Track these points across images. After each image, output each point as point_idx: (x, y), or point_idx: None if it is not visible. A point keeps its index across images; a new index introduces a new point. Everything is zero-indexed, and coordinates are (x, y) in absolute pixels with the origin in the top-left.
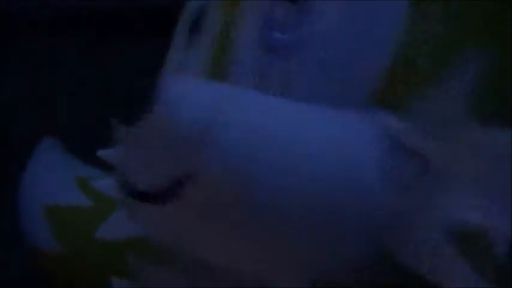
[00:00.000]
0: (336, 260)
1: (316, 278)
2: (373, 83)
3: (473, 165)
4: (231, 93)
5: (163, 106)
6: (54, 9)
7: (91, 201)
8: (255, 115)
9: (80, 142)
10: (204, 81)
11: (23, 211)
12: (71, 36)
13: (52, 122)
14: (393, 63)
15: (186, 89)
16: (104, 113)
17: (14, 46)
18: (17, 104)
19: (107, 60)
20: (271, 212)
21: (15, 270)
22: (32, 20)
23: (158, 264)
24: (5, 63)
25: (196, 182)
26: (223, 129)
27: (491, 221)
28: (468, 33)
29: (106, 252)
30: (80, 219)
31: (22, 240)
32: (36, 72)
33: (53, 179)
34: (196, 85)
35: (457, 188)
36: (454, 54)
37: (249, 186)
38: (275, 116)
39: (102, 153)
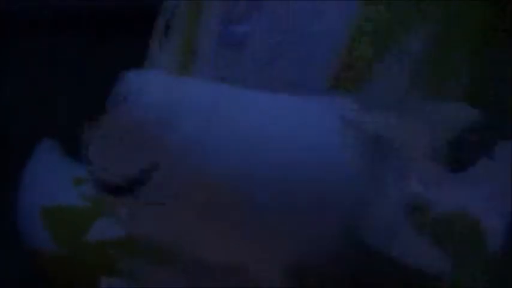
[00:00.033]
0: (309, 245)
1: (292, 266)
2: (327, 69)
3: (421, 138)
4: (190, 85)
5: (122, 101)
6: (54, 9)
7: (88, 202)
8: (212, 104)
9: (80, 143)
10: (163, 74)
11: (20, 212)
12: (71, 36)
13: (52, 122)
14: (343, 49)
15: (144, 83)
16: (104, 113)
17: (14, 46)
18: (17, 104)
19: (106, 60)
20: (234, 198)
21: (15, 270)
22: (32, 20)
23: (150, 263)
24: (5, 63)
25: (161, 170)
26: (182, 119)
27: (440, 191)
28: (408, 15)
29: (102, 252)
30: (76, 220)
31: (22, 240)
32: (36, 72)
33: (51, 180)
34: (153, 79)
35: (409, 160)
36: (396, 36)
37: (210, 173)
38: (232, 105)
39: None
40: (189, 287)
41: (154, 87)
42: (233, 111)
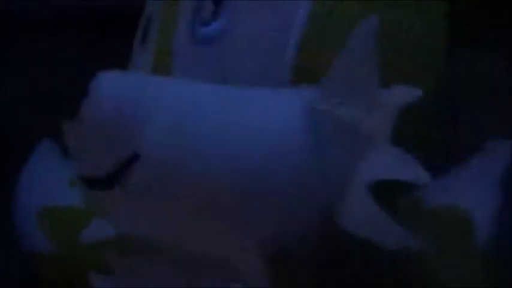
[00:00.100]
0: (287, 233)
1: (272, 254)
2: (291, 61)
3: (379, 122)
4: (165, 82)
5: (95, 97)
6: (54, 9)
7: (84, 202)
8: (184, 99)
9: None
10: (139, 74)
11: (18, 212)
12: (71, 36)
13: (52, 122)
14: (305, 41)
15: (117, 81)
16: (78, 111)
17: (14, 46)
18: (17, 104)
19: (107, 60)
20: (210, 188)
21: (15, 270)
22: (32, 20)
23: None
24: (5, 63)
25: (139, 162)
26: (157, 114)
27: (406, 172)
28: (364, 6)
29: (99, 252)
30: (73, 220)
31: (20, 240)
32: (36, 72)
33: (48, 181)
34: (128, 77)
35: (371, 144)
36: (353, 25)
37: (185, 164)
38: (207, 100)
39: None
40: (182, 285)
41: (128, 84)
42: (207, 106)
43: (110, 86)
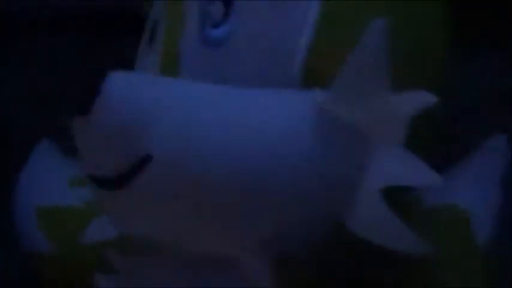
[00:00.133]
0: (295, 236)
1: (281, 257)
2: (300, 64)
3: (390, 128)
4: (174, 84)
5: (107, 98)
6: (54, 9)
7: (83, 203)
8: (193, 100)
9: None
10: (148, 75)
11: (18, 212)
12: (71, 36)
13: (52, 122)
14: (316, 43)
15: (128, 82)
16: (89, 111)
17: (14, 46)
18: (17, 104)
19: (106, 60)
20: (221, 188)
21: (15, 270)
22: (32, 20)
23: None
24: (5, 63)
25: (151, 162)
26: (166, 114)
27: (418, 178)
28: (373, 7)
29: (99, 252)
30: (73, 220)
31: (20, 240)
32: (36, 72)
33: (47, 181)
34: (138, 78)
35: (382, 150)
36: (363, 27)
37: (195, 165)
38: (216, 101)
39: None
40: (183, 285)
41: (140, 86)
42: (216, 108)
43: (121, 86)
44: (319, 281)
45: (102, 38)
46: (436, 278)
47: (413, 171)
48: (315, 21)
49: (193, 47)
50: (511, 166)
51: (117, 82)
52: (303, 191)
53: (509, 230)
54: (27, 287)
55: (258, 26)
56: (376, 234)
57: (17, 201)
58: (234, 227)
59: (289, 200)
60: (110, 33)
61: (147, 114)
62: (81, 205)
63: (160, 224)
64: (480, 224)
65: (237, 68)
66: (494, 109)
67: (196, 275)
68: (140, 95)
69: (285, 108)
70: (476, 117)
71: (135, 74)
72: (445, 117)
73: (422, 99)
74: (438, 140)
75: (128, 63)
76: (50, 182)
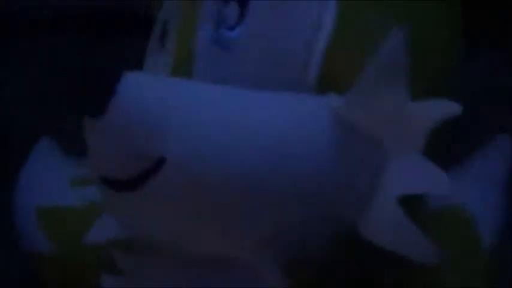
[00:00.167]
0: (308, 241)
1: (290, 259)
2: (316, 68)
3: (409, 136)
4: (188, 85)
5: (121, 98)
6: (54, 9)
7: (84, 202)
8: (208, 102)
9: (80, 142)
10: (161, 76)
11: (18, 212)
12: (71, 36)
13: (52, 122)
14: (331, 49)
15: (142, 83)
16: (102, 112)
17: (14, 46)
18: (17, 104)
19: (106, 60)
20: (235, 191)
21: (15, 270)
22: (32, 20)
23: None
24: (5, 63)
25: (166, 164)
26: (181, 116)
27: (433, 187)
28: (392, 14)
29: (99, 252)
30: (73, 220)
31: (20, 240)
32: (36, 72)
33: (47, 180)
34: (152, 79)
35: (400, 157)
36: (383, 37)
37: (212, 168)
38: (230, 104)
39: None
40: (185, 285)
41: (153, 87)
42: (231, 111)
43: (136, 87)
44: (319, 281)
45: (102, 38)
46: (437, 278)
47: (431, 180)
48: (331, 25)
49: (207, 49)
50: None
51: (132, 83)
52: (322, 195)
53: (510, 230)
54: (27, 287)
55: (273, 28)
56: (391, 241)
57: (17, 201)
58: (253, 229)
59: (311, 203)
60: (110, 33)
61: (162, 116)
62: (81, 205)
63: (168, 225)
64: (483, 225)
65: (252, 70)
66: (494, 109)
67: (196, 275)
68: (156, 96)
69: (300, 113)
70: (476, 118)
71: (149, 75)
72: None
73: (445, 108)
74: (440, 140)
75: (128, 63)
76: (50, 181)
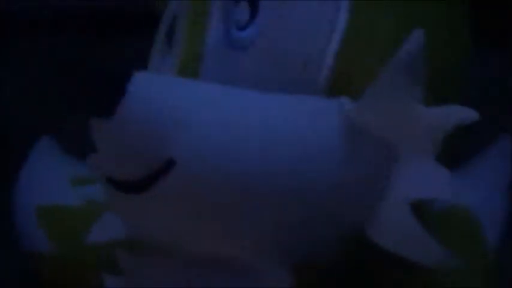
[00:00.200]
0: (315, 244)
1: (298, 262)
2: (328, 70)
3: (422, 140)
4: (198, 86)
5: (133, 99)
6: (54, 9)
7: (84, 202)
8: (219, 104)
9: (80, 142)
10: (172, 76)
11: (18, 212)
12: (71, 36)
13: (52, 122)
14: (343, 52)
15: (153, 83)
16: (112, 112)
17: (14, 46)
18: (17, 104)
19: (107, 60)
20: (245, 195)
21: (15, 270)
22: (32, 20)
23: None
24: (5, 63)
25: (176, 167)
26: (193, 118)
27: (444, 192)
28: (405, 17)
29: (99, 252)
30: (73, 220)
31: (20, 240)
32: (36, 72)
33: (47, 179)
34: (163, 79)
35: (412, 162)
36: (395, 40)
37: (222, 170)
38: (240, 106)
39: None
40: (182, 281)
41: (162, 87)
42: (241, 112)
43: (146, 88)
44: (319, 281)
45: (102, 38)
46: (440, 279)
47: (442, 186)
48: (343, 26)
49: (217, 49)
50: None
51: (142, 83)
52: (332, 198)
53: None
54: (27, 287)
55: (284, 29)
56: (401, 245)
57: (17, 201)
58: (262, 231)
59: (321, 206)
60: (110, 33)
61: (172, 117)
62: (81, 204)
63: (174, 226)
64: (487, 227)
65: (262, 71)
66: (494, 109)
67: (196, 275)
68: (165, 97)
69: (310, 115)
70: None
71: (158, 75)
72: None
73: (461, 114)
74: (443, 141)
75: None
76: (50, 180)
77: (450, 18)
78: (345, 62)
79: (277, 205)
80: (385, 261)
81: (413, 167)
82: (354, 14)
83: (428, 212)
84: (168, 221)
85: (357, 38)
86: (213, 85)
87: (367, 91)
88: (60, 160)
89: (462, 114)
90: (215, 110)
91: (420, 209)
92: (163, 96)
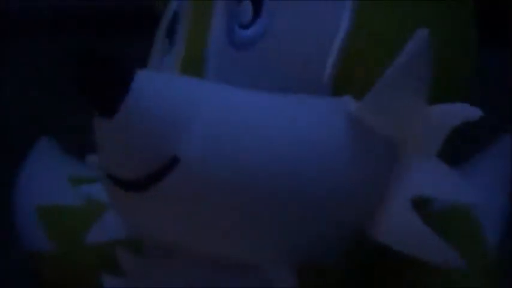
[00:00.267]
0: (317, 242)
1: (301, 262)
2: (332, 69)
3: (426, 139)
4: (201, 84)
5: (137, 96)
6: (54, 9)
7: (84, 201)
8: (223, 104)
9: (80, 142)
10: (176, 74)
11: (18, 212)
12: (71, 36)
13: (52, 122)
14: (348, 51)
15: (157, 82)
16: (114, 111)
17: (14, 46)
18: (17, 104)
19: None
20: (249, 194)
21: (15, 270)
22: (32, 20)
23: (150, 261)
24: (5, 63)
25: (178, 166)
26: (197, 117)
27: (447, 191)
28: (410, 17)
29: (99, 252)
30: (73, 219)
31: (20, 240)
32: (36, 72)
33: (47, 179)
34: (166, 78)
35: (415, 160)
36: (399, 39)
37: (227, 169)
38: (244, 105)
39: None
40: (183, 282)
41: (165, 85)
42: (245, 111)
43: (150, 86)
44: (320, 281)
45: (102, 38)
46: (441, 278)
47: (445, 184)
48: (347, 25)
49: (220, 48)
50: None
51: (145, 81)
52: (337, 198)
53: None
54: (27, 287)
55: (288, 28)
56: (406, 244)
57: (17, 201)
58: (266, 234)
59: (325, 208)
60: (110, 33)
61: (176, 115)
62: (81, 204)
63: (176, 226)
64: (489, 226)
65: (266, 71)
66: (494, 109)
67: (198, 275)
68: (169, 95)
69: (315, 114)
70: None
71: (160, 73)
72: None
73: (465, 112)
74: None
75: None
76: (50, 180)
77: (455, 17)
78: (348, 61)
79: (279, 205)
80: (385, 261)
81: (417, 165)
82: (358, 13)
83: (429, 212)
84: (170, 220)
85: (360, 38)
86: (216, 84)
87: (371, 90)
88: (60, 160)
89: (466, 112)
90: (219, 109)
91: (420, 209)
92: (167, 94)
